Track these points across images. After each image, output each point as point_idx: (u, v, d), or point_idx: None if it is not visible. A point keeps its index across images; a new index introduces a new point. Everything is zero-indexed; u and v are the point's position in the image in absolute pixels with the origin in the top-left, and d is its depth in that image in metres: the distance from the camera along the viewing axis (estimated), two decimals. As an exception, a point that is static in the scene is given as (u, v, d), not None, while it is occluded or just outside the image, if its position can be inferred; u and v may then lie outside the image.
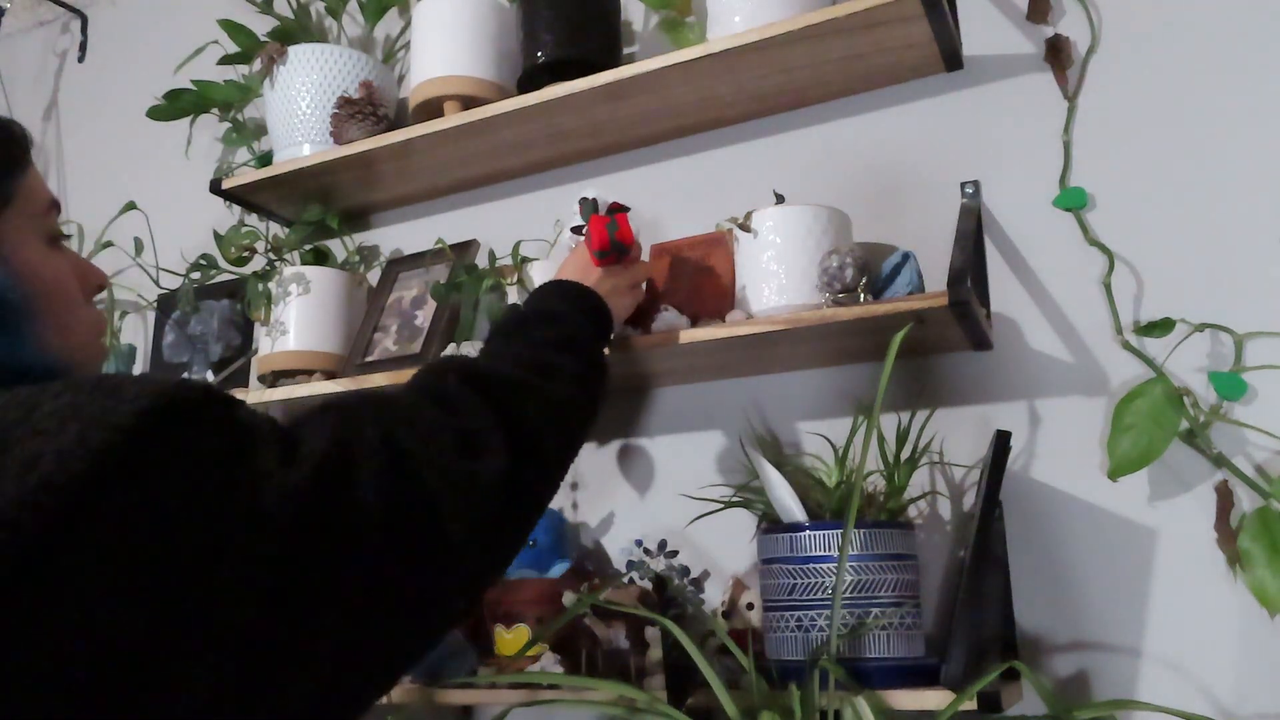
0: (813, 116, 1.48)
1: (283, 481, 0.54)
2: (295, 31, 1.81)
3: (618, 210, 1.22)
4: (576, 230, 1.27)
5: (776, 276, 1.24)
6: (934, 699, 1.02)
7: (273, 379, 1.61)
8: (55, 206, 0.74)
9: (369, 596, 0.58)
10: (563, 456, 0.87)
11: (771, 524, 1.20)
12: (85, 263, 0.77)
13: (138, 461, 0.49)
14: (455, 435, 0.70)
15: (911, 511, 1.28)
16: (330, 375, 1.57)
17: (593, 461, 1.52)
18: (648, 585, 1.27)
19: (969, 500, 1.27)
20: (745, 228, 1.28)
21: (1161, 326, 1.19)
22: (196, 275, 1.72)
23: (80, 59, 2.36)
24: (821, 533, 1.10)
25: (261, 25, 1.82)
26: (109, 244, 1.96)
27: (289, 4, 1.86)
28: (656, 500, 1.47)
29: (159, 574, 0.48)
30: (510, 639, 1.30)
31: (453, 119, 1.52)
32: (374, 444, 0.62)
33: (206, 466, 0.52)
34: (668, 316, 1.29)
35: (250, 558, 0.51)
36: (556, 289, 1.11)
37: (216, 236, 1.72)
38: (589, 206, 1.25)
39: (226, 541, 0.51)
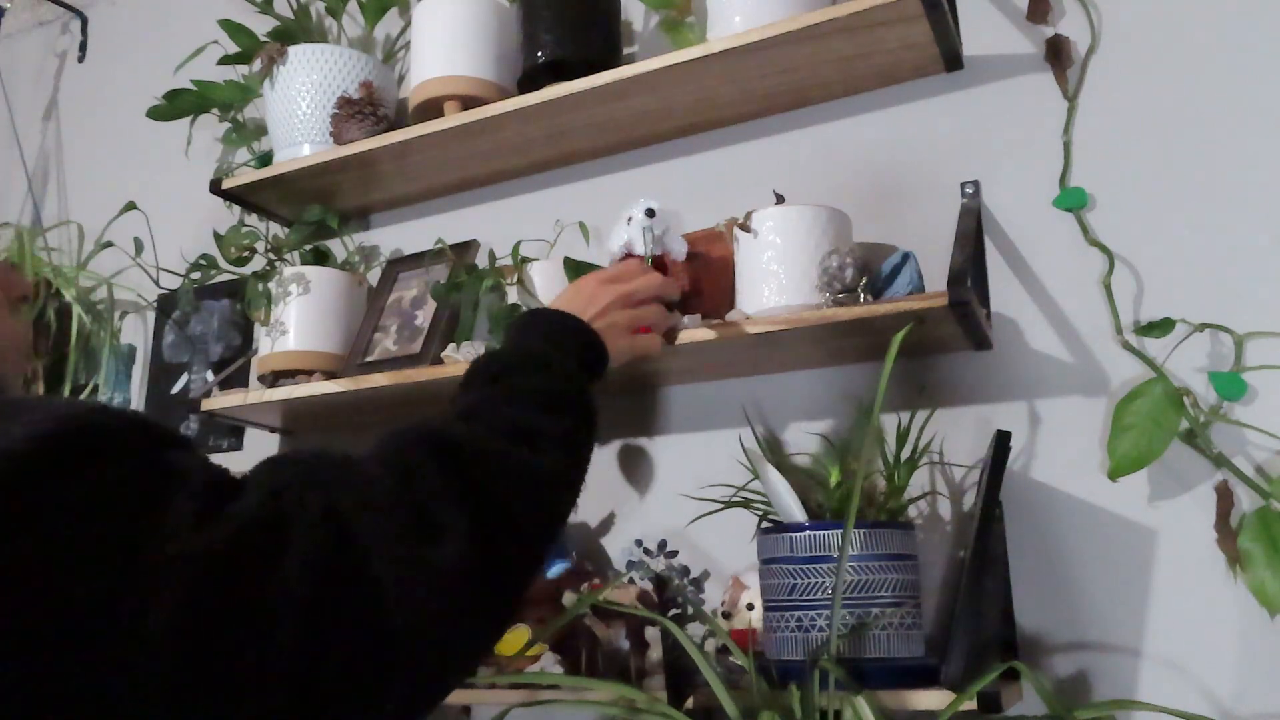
0: (813, 116, 1.48)
1: (189, 544, 0.47)
2: (295, 31, 1.81)
3: (658, 256, 1.24)
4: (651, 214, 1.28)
5: (776, 276, 1.24)
6: (934, 699, 1.02)
7: (273, 379, 1.61)
8: None
9: (287, 694, 0.49)
10: (543, 535, 0.75)
11: (771, 524, 1.20)
12: (12, 272, 0.74)
13: (25, 495, 0.43)
14: (411, 514, 0.60)
15: (911, 511, 1.28)
16: (330, 375, 1.57)
17: (593, 461, 1.52)
18: (648, 585, 1.27)
19: (969, 500, 1.27)
20: (745, 228, 1.28)
21: (1161, 326, 1.19)
22: (196, 275, 1.72)
23: (80, 59, 2.36)
24: (821, 533, 1.10)
25: (261, 25, 1.82)
26: (109, 244, 1.96)
27: (289, 4, 1.86)
28: (656, 500, 1.47)
29: (40, 626, 0.42)
30: (510, 639, 1.30)
31: (453, 119, 1.52)
32: (314, 515, 0.55)
33: (103, 510, 0.46)
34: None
35: (141, 628, 0.44)
36: (548, 325, 0.99)
37: (216, 236, 1.72)
38: (649, 238, 1.25)
39: (115, 605, 0.44)
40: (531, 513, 0.71)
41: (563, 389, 0.88)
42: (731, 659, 1.14)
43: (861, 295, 1.19)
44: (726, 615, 1.27)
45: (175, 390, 1.94)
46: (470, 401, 0.82)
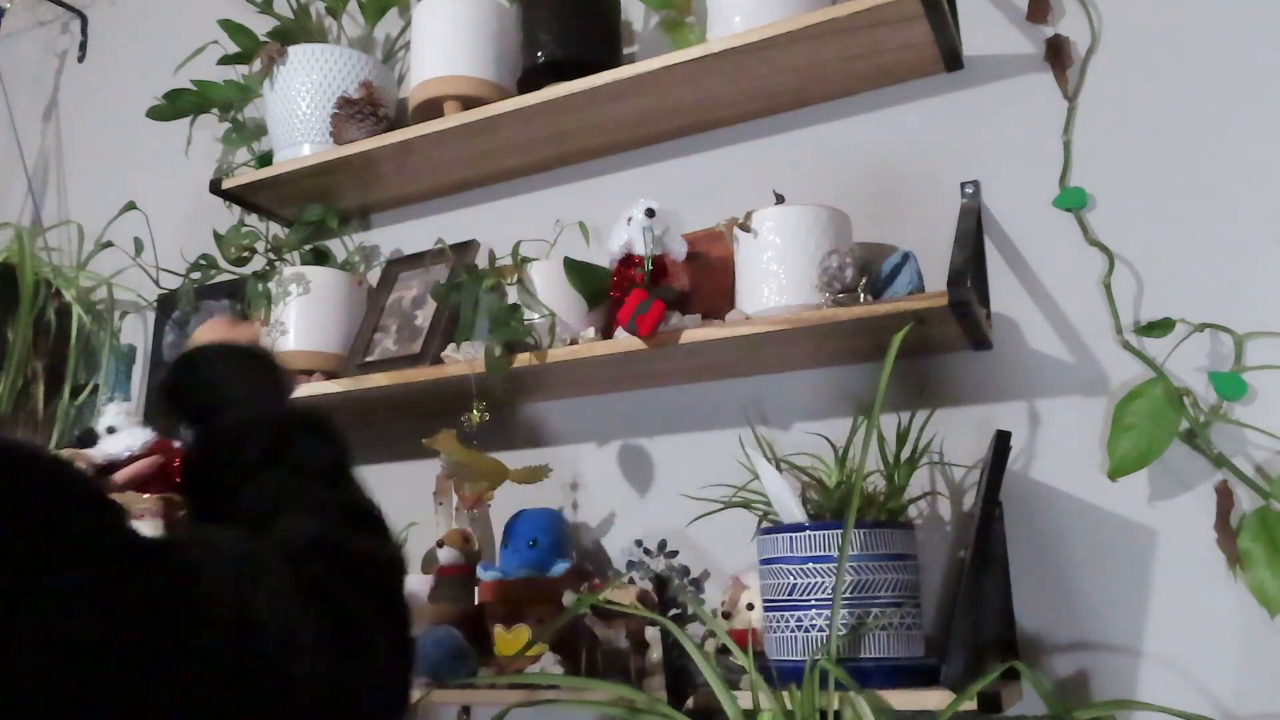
0: (813, 116, 1.48)
1: (84, 620, 0.46)
2: (295, 31, 1.81)
3: (658, 256, 1.29)
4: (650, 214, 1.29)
5: (776, 276, 1.24)
6: (934, 699, 1.02)
7: (273, 379, 1.61)
8: None
9: None
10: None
11: (771, 524, 1.20)
12: None
13: None
14: (330, 625, 0.59)
15: (911, 511, 1.28)
16: (330, 375, 1.57)
17: (593, 461, 1.52)
18: (648, 585, 1.27)
19: (969, 500, 1.27)
20: (745, 228, 1.28)
21: (1161, 326, 1.19)
22: (196, 275, 1.72)
23: (80, 59, 2.36)
24: (821, 533, 1.10)
25: (261, 25, 1.82)
26: (109, 244, 1.96)
27: (289, 4, 1.86)
28: (656, 500, 1.47)
29: None
30: (510, 639, 1.30)
31: (453, 119, 1.52)
32: (228, 612, 0.53)
33: None
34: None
35: (23, 697, 0.43)
36: (260, 375, 0.87)
37: (216, 236, 1.72)
38: (649, 238, 1.26)
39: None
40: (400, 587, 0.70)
41: (336, 448, 0.80)
42: (731, 659, 1.14)
43: (861, 295, 1.19)
44: (726, 615, 1.27)
45: (175, 390, 1.94)
46: (273, 489, 0.74)
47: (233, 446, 0.77)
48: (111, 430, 1.12)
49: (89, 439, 1.13)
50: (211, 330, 0.93)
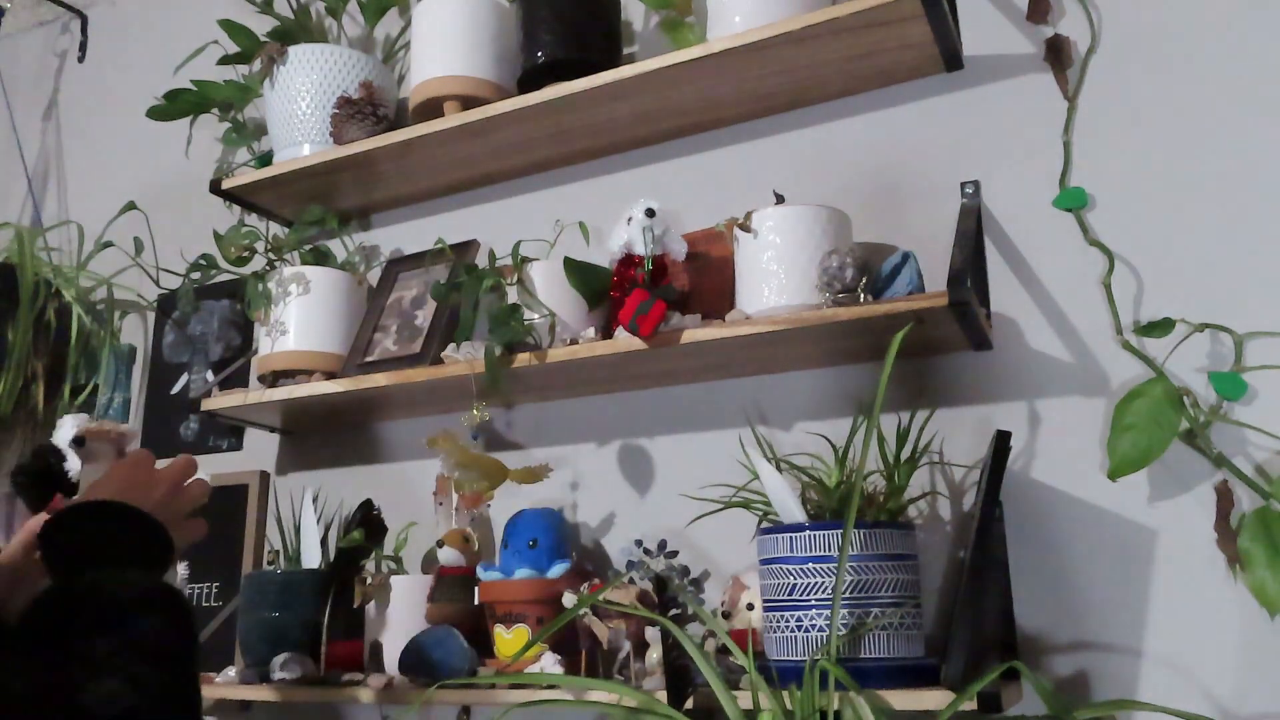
0: (813, 116, 1.48)
1: None
2: (295, 31, 1.82)
3: (658, 256, 1.28)
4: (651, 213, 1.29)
5: (776, 276, 1.24)
6: (934, 699, 1.02)
7: (273, 379, 1.61)
8: None
9: None
10: None
11: (771, 524, 1.20)
12: None
13: None
14: None
15: (911, 511, 1.28)
16: (330, 375, 1.57)
17: (593, 461, 1.52)
18: (648, 585, 1.27)
19: (969, 500, 1.27)
20: (745, 228, 1.28)
21: (1161, 326, 1.19)
22: (196, 275, 1.72)
23: (80, 59, 2.36)
24: (821, 533, 1.10)
25: (261, 25, 1.82)
26: (109, 244, 1.96)
27: (289, 4, 1.86)
28: (656, 500, 1.47)
29: None
30: (510, 639, 1.30)
31: (453, 119, 1.52)
32: None
33: None
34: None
35: None
36: (126, 543, 0.87)
37: (216, 236, 1.72)
38: (649, 238, 1.26)
39: None
40: None
41: (176, 632, 0.82)
42: (731, 659, 1.14)
43: (861, 295, 1.19)
44: (726, 615, 1.27)
45: (175, 390, 1.94)
46: (97, 658, 0.74)
47: (78, 609, 0.78)
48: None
49: (54, 456, 1.06)
50: (117, 479, 0.93)
